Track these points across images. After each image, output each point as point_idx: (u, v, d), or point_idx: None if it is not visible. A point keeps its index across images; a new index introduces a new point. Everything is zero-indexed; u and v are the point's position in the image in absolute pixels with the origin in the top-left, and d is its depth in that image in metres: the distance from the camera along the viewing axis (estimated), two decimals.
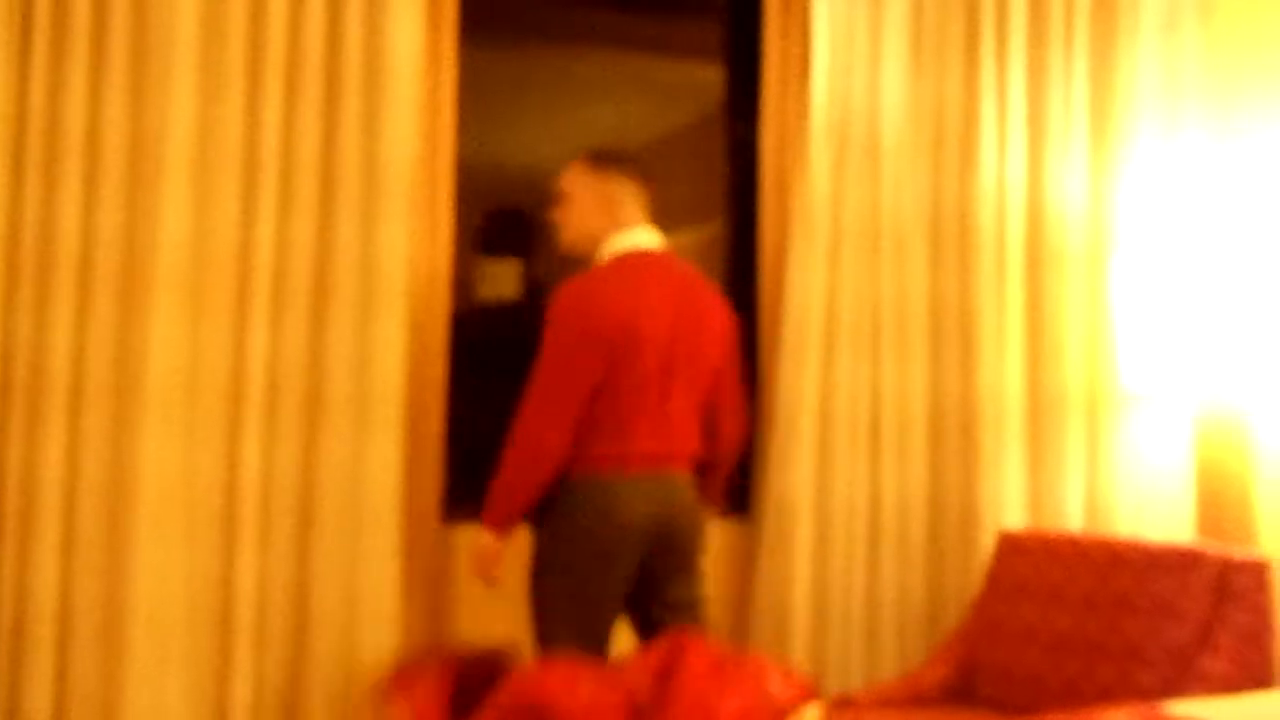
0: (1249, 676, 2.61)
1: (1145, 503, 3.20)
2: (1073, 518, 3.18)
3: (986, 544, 3.13)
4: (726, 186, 3.49)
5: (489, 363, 3.21)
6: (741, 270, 3.38)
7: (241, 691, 2.55)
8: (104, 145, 2.52)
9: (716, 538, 3.18)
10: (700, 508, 2.71)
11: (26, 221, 2.47)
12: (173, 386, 2.51)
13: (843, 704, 2.83)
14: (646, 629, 2.66)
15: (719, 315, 2.71)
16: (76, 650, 2.45)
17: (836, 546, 3.09)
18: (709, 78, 3.51)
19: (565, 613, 2.52)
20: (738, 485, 3.25)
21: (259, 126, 2.63)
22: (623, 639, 2.76)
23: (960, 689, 2.90)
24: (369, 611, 2.61)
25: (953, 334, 3.22)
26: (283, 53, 2.64)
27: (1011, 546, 2.96)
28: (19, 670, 2.42)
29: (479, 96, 3.18)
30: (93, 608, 2.46)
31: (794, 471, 3.05)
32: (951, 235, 3.23)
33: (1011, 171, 3.19)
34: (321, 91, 2.68)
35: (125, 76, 2.53)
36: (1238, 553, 2.68)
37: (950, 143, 3.24)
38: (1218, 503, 3.27)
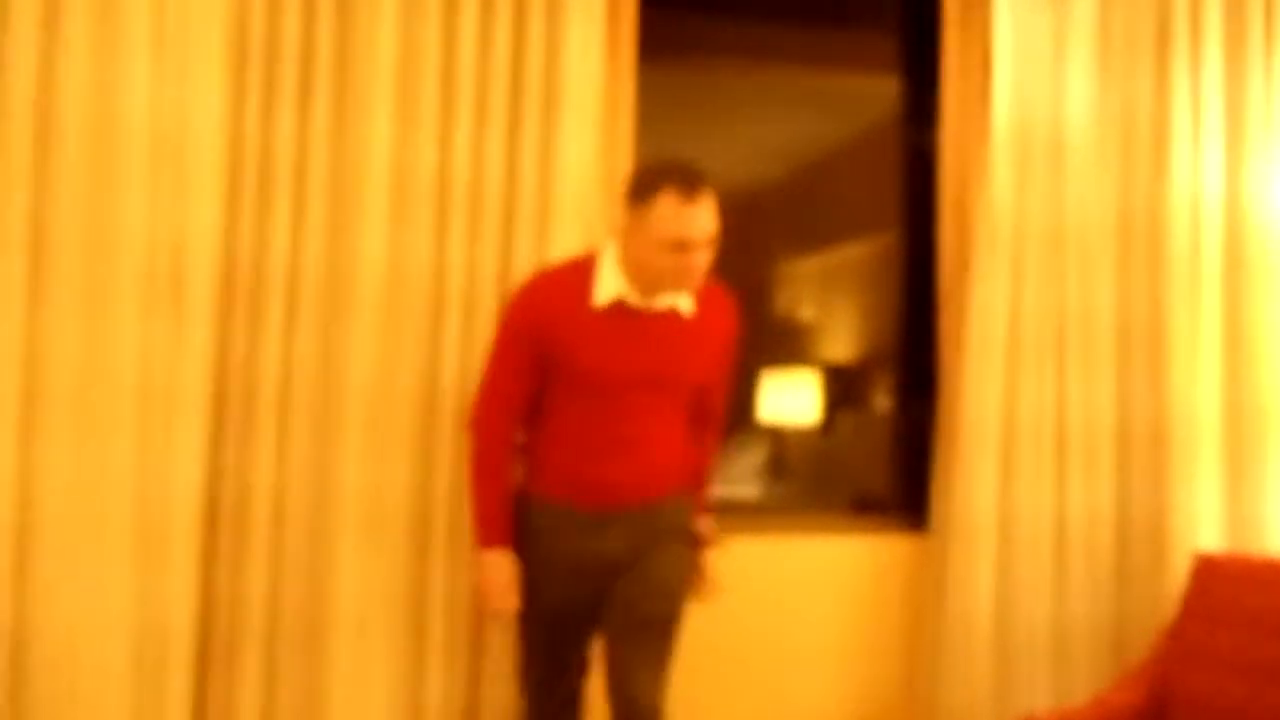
0: None
1: None
2: (1273, 539, 2.98)
3: (1179, 565, 2.98)
4: (903, 196, 3.42)
5: None
6: (919, 280, 3.31)
7: (434, 695, 2.63)
8: (310, 173, 2.64)
9: (894, 552, 3.14)
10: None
11: (241, 245, 2.60)
12: (371, 399, 2.62)
13: None
14: (608, 646, 2.37)
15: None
16: (284, 652, 2.58)
17: (1022, 564, 3.00)
18: (884, 89, 3.45)
19: (526, 633, 2.43)
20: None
21: (449, 151, 2.71)
22: None
23: (1152, 716, 2.75)
24: None
25: (1143, 345, 3.08)
26: (471, 78, 2.72)
27: (1208, 569, 2.79)
28: (232, 671, 2.56)
29: (656, 113, 3.20)
30: (299, 611, 2.58)
31: (978, 486, 2.97)
32: (1141, 243, 3.09)
33: (1208, 176, 3.02)
34: (505, 115, 2.75)
35: (329, 108, 2.65)
36: None
37: (1140, 147, 3.10)
38: None
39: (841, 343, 4.52)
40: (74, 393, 2.38)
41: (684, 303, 2.36)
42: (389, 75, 2.65)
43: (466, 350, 2.70)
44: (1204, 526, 3.01)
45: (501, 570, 2.33)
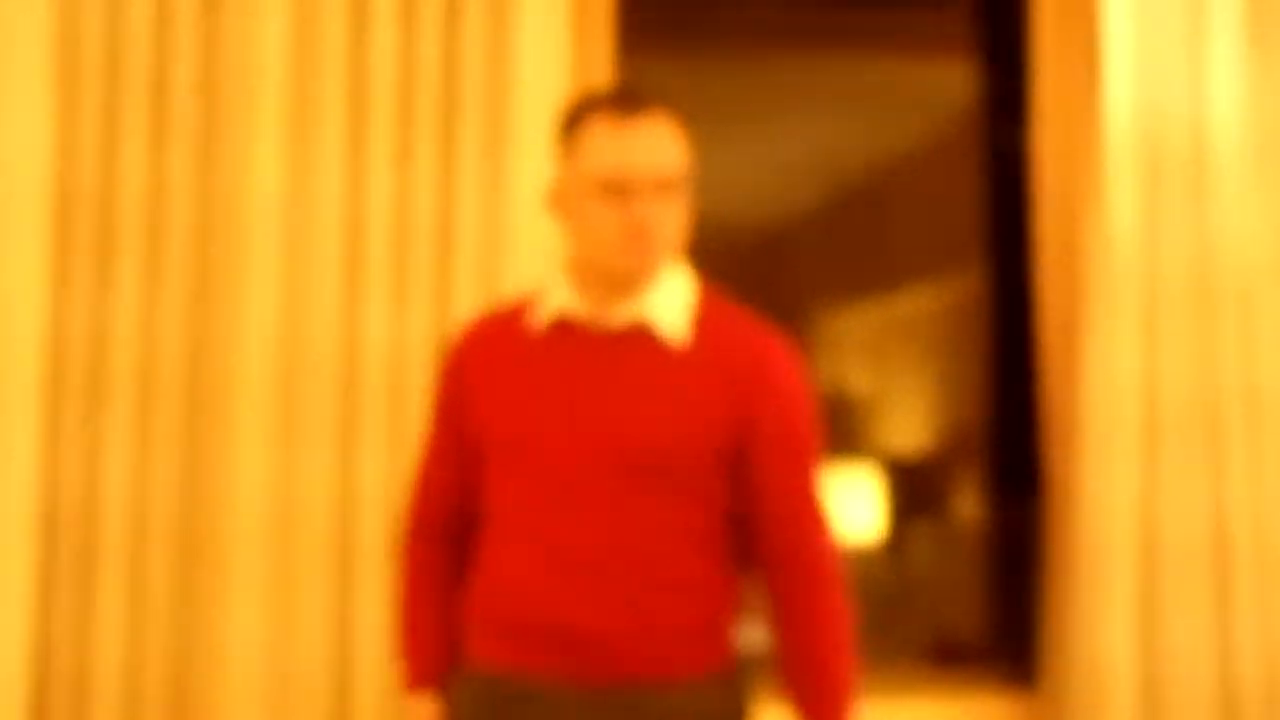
0: None
1: None
2: None
3: None
4: (987, 226, 3.55)
5: None
6: (1013, 341, 3.40)
7: None
8: (168, 223, 2.70)
9: (991, 716, 3.17)
10: None
11: (74, 323, 2.64)
12: (261, 536, 2.63)
13: None
14: None
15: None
16: None
17: None
18: (956, 80, 3.59)
19: None
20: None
21: (361, 185, 2.79)
22: None
23: None
24: None
25: None
26: (390, 85, 2.79)
27: None
28: None
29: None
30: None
31: (1107, 627, 2.96)
32: None
33: None
34: (436, 133, 2.82)
35: (193, 135, 2.72)
36: None
37: None
38: None
39: (909, 427, 4.50)
40: None
41: (664, 313, 2.05)
42: (275, 87, 2.70)
43: (392, 454, 2.73)
44: None
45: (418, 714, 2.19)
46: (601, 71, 2.98)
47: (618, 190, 1.96)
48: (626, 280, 2.00)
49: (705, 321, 2.07)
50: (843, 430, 4.78)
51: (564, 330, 2.05)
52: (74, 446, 2.62)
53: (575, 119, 2.02)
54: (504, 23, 2.84)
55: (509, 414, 2.03)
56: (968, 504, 4.05)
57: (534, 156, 2.81)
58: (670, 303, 2.04)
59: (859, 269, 4.60)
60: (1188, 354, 3.06)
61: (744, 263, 4.06)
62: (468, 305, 2.78)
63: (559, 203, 2.05)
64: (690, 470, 2.01)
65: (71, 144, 2.65)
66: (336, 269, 2.74)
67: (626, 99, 2.00)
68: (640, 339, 2.04)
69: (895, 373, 4.60)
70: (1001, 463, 3.50)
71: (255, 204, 2.69)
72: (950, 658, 3.45)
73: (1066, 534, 3.07)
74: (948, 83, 3.61)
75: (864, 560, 4.47)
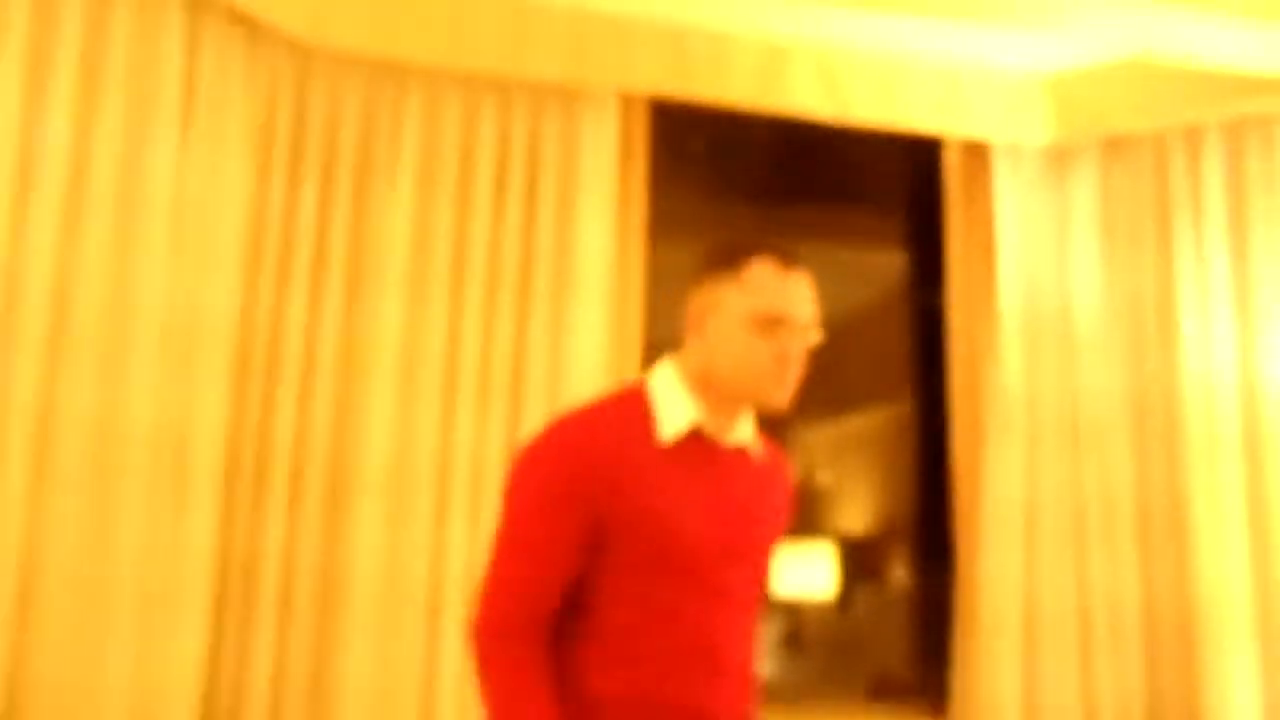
0: None
1: None
2: None
3: None
4: (913, 368, 3.49)
5: None
6: (934, 451, 3.34)
7: None
8: (318, 355, 2.68)
9: None
10: None
11: (247, 422, 2.61)
12: (376, 588, 2.59)
13: None
14: None
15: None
16: None
17: None
18: (893, 262, 3.53)
19: None
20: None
21: (459, 330, 2.76)
22: None
23: None
24: None
25: (1164, 527, 3.03)
26: (483, 257, 2.79)
27: None
28: None
29: (669, 291, 3.24)
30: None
31: (1000, 671, 2.91)
32: (1157, 423, 3.08)
33: (1219, 355, 3.01)
34: (515, 294, 2.82)
35: (341, 287, 2.71)
36: None
37: (1150, 324, 3.12)
38: None
39: (858, 513, 4.47)
40: (75, 579, 2.35)
41: (749, 436, 1.78)
42: (401, 254, 2.71)
43: (473, 535, 2.68)
44: (1240, 715, 2.88)
45: None
46: (636, 252, 2.94)
47: (775, 325, 1.67)
48: (760, 406, 1.71)
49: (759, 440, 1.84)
50: (808, 515, 4.79)
51: (694, 438, 1.70)
52: (244, 520, 2.60)
53: (738, 256, 1.71)
54: (569, 207, 2.85)
55: (669, 511, 1.63)
56: (900, 573, 4.02)
57: (589, 311, 2.79)
58: (750, 424, 1.78)
59: (823, 396, 4.64)
60: (1059, 470, 3.04)
61: None
62: (536, 420, 2.71)
63: (703, 324, 1.71)
64: (768, 561, 1.79)
65: (253, 298, 2.66)
66: (438, 393, 2.71)
67: (788, 253, 1.73)
68: (740, 456, 1.76)
69: (848, 473, 4.61)
70: (925, 542, 3.39)
71: (383, 344, 2.68)
72: (885, 694, 3.31)
73: (971, 601, 3.02)
74: (886, 263, 3.55)
75: (819, 615, 4.47)
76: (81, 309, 2.42)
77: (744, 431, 1.74)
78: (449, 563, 2.65)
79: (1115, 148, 3.21)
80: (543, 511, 1.61)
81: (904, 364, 3.50)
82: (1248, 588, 2.94)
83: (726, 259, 1.72)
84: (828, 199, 3.50)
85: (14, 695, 2.30)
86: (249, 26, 2.65)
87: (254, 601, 2.55)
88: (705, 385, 1.70)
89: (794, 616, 4.61)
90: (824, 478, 4.75)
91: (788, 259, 1.72)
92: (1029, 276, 3.12)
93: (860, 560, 4.33)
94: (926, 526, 3.39)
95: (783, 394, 1.70)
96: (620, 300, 2.91)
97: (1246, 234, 3.07)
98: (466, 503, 2.69)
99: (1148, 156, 3.17)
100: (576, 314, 2.80)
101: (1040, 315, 3.11)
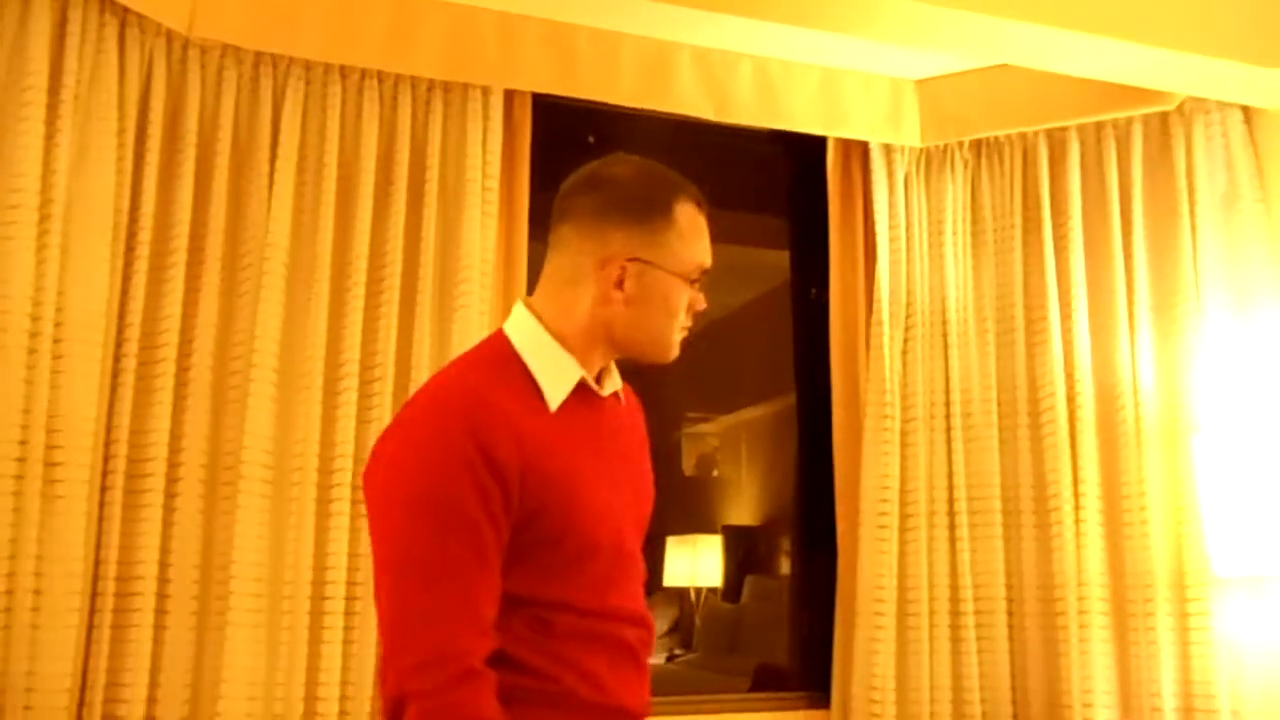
0: None
1: (1244, 692, 3.01)
2: (1166, 708, 3.01)
3: None
4: (797, 364, 3.54)
5: None
6: (816, 444, 3.35)
7: None
8: (194, 357, 2.63)
9: None
10: None
11: (118, 422, 2.54)
12: (257, 588, 2.56)
13: None
14: None
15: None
16: None
17: None
18: (780, 261, 3.60)
19: None
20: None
21: (342, 325, 2.73)
22: None
23: None
24: None
25: (1029, 515, 3.16)
26: (365, 255, 2.76)
27: None
28: None
29: None
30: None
31: (876, 658, 3.00)
32: (1023, 413, 3.20)
33: (1079, 352, 3.15)
34: (398, 295, 2.79)
35: (218, 281, 2.66)
36: None
37: (1017, 322, 3.24)
38: None
39: (747, 504, 4.57)
40: None
41: (618, 381, 1.59)
42: (281, 249, 2.68)
43: (356, 535, 2.66)
44: (1097, 691, 3.02)
45: None
46: (519, 248, 2.92)
47: (694, 282, 1.52)
48: (651, 361, 1.54)
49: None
50: (698, 507, 4.88)
51: (574, 399, 1.47)
52: (118, 520, 2.53)
53: (659, 195, 1.50)
54: (453, 210, 2.83)
55: (583, 504, 1.42)
56: (786, 561, 4.10)
57: (473, 307, 2.77)
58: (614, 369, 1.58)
59: (715, 390, 4.70)
60: (929, 458, 3.13)
61: (628, 375, 4.13)
62: None
63: (605, 273, 1.46)
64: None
65: (126, 293, 2.58)
66: (319, 391, 2.67)
67: (693, 187, 1.54)
68: (613, 402, 1.57)
69: (738, 465, 4.70)
70: (809, 532, 3.42)
71: (262, 341, 2.63)
72: (769, 684, 3.43)
73: (850, 587, 3.08)
74: (772, 263, 3.64)
75: (711, 605, 4.55)
76: None
77: (615, 378, 1.57)
78: (332, 561, 2.63)
79: (983, 150, 3.33)
80: (456, 491, 1.31)
81: (788, 358, 3.55)
82: (1103, 576, 3.08)
83: (651, 204, 1.49)
84: (714, 199, 3.57)
85: None
86: (122, 15, 2.60)
87: (129, 605, 2.49)
88: (589, 338, 1.48)
89: (684, 606, 4.68)
90: (713, 470, 4.84)
91: (698, 195, 1.54)
92: (905, 273, 3.21)
93: (748, 550, 4.43)
94: (810, 517, 3.43)
95: (676, 349, 1.54)
96: (504, 296, 2.92)
97: (1106, 236, 3.22)
98: (348, 503, 2.66)
99: (1014, 158, 3.30)
100: (460, 310, 2.79)
101: (915, 310, 3.20)
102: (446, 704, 1.26)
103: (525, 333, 1.48)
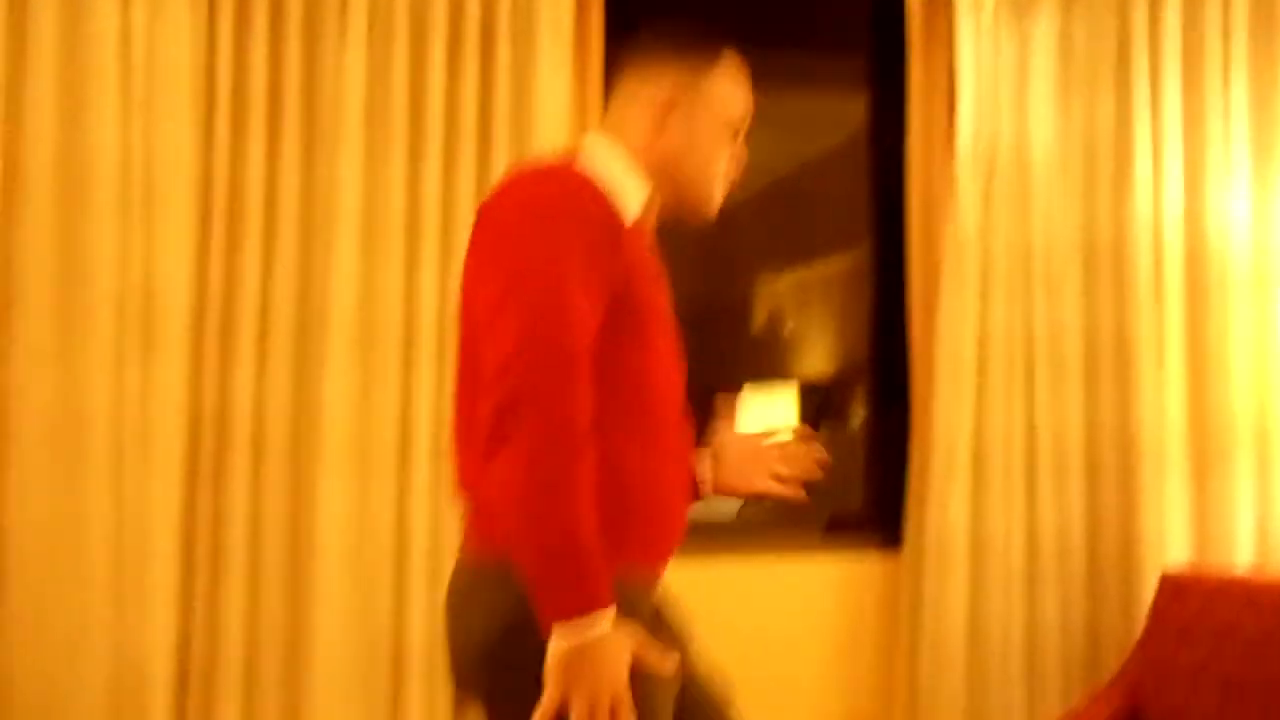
0: None
1: None
2: (1242, 554, 3.05)
3: (1149, 580, 3.05)
4: (872, 213, 3.51)
5: None
6: (892, 296, 3.36)
7: None
8: (280, 210, 2.68)
9: (869, 572, 3.21)
10: (472, 609, 1.46)
11: (213, 282, 2.63)
12: (346, 435, 2.66)
13: None
14: None
15: (474, 244, 1.53)
16: (262, 685, 2.62)
17: (994, 583, 3.06)
18: (854, 109, 3.52)
19: None
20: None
21: (420, 186, 2.75)
22: None
23: None
24: None
25: (1109, 365, 3.15)
26: (440, 113, 2.76)
27: (1174, 587, 2.88)
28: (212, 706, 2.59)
29: None
30: (279, 647, 2.62)
31: (950, 504, 3.04)
32: (1106, 264, 3.16)
33: (1168, 198, 3.10)
34: (475, 146, 2.80)
35: (298, 144, 2.69)
36: None
37: (1103, 170, 3.17)
38: None
39: (818, 358, 4.59)
40: (47, 435, 2.43)
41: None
42: (357, 109, 2.69)
43: (440, 383, 2.73)
44: (1172, 542, 3.08)
45: (630, 629, 1.37)
46: (593, 102, 2.89)
47: (736, 133, 1.63)
48: (694, 214, 1.63)
49: None
50: (770, 361, 4.91)
51: (642, 221, 1.58)
52: (214, 374, 2.63)
53: (705, 47, 1.60)
54: (526, 58, 2.80)
55: (646, 291, 1.49)
56: (859, 414, 4.16)
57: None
58: None
59: (786, 244, 4.69)
60: (1011, 308, 3.10)
61: (703, 237, 4.11)
62: None
63: (670, 114, 1.57)
64: None
65: (209, 152, 2.63)
66: (401, 248, 2.71)
67: (735, 50, 1.62)
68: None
69: (810, 319, 4.71)
70: (881, 384, 3.45)
71: (343, 200, 2.67)
72: (841, 531, 3.40)
73: (924, 439, 3.11)
74: (848, 111, 3.54)
75: None
76: (34, 168, 2.44)
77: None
78: (417, 408, 2.70)
79: None
80: (575, 254, 1.38)
81: (864, 210, 3.51)
82: (1184, 422, 3.10)
83: (700, 48, 1.60)
84: (789, 44, 3.49)
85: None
86: None
87: (228, 452, 2.60)
88: (650, 171, 1.57)
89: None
90: (787, 325, 4.86)
91: (739, 56, 1.63)
92: (987, 121, 3.13)
93: (820, 403, 4.48)
94: (883, 369, 3.45)
95: (718, 201, 1.64)
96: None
97: (1201, 77, 3.12)
98: (432, 353, 2.72)
99: (1108, 1, 3.16)
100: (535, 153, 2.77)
101: (997, 160, 3.13)
102: (563, 408, 1.32)
103: (599, 150, 1.57)
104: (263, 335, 2.66)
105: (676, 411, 1.55)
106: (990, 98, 3.13)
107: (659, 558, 1.52)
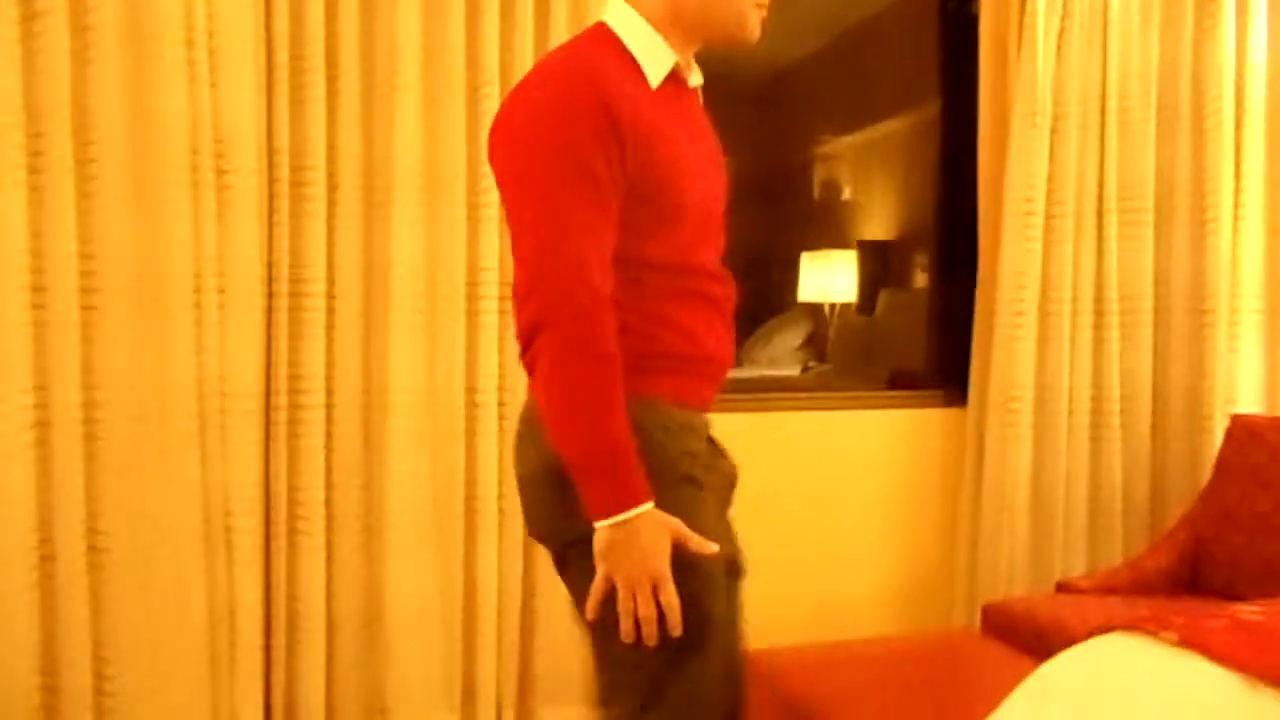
0: None
1: None
2: None
3: (1217, 429, 3.06)
4: (942, 69, 3.44)
5: None
6: (960, 156, 3.32)
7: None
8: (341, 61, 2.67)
9: (934, 425, 3.26)
10: (530, 473, 1.59)
11: (278, 130, 2.63)
12: (416, 285, 2.71)
13: (1065, 589, 2.86)
14: None
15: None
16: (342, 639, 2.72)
17: (1059, 432, 3.09)
18: None
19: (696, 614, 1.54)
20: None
21: (478, 35, 2.73)
22: None
23: (1185, 577, 2.88)
24: None
25: (1184, 212, 3.12)
26: (496, 66, 2.73)
27: (1243, 430, 2.88)
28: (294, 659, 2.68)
29: None
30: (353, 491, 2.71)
31: (1016, 356, 3.05)
32: (1184, 108, 3.11)
33: (1254, 39, 3.02)
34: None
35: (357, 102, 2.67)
36: None
37: (1185, 8, 3.09)
38: None
39: (882, 220, 4.56)
40: (129, 285, 2.50)
41: (699, 76, 1.68)
42: (414, 65, 2.67)
43: (505, 237, 2.70)
44: (1242, 391, 3.08)
45: (667, 521, 1.46)
46: None
47: None
48: (733, 43, 1.61)
49: None
50: (832, 224, 4.88)
51: (672, 81, 1.59)
52: (286, 226, 2.70)
53: None
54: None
55: (681, 169, 1.54)
56: (923, 276, 4.14)
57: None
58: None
59: (848, 104, 4.61)
60: (1083, 158, 3.07)
61: (761, 95, 4.07)
62: None
63: None
64: None
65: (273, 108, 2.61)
66: (462, 103, 2.69)
67: None
68: (696, 93, 1.68)
69: (873, 181, 4.66)
70: (946, 246, 3.45)
71: (402, 151, 2.68)
72: (906, 385, 3.47)
73: (990, 296, 3.12)
74: None
75: (845, 319, 4.64)
76: (107, 135, 2.44)
77: (698, 73, 1.66)
78: (482, 256, 2.74)
79: None
80: (588, 171, 1.43)
81: (932, 67, 3.45)
82: (1259, 272, 3.07)
83: None
84: None
85: (90, 390, 2.50)
86: None
87: (302, 302, 2.65)
88: (674, 21, 1.58)
89: (818, 320, 4.78)
90: (849, 187, 4.82)
91: None
92: None
93: (883, 265, 4.46)
94: (948, 230, 3.43)
95: (756, 31, 1.61)
96: None
97: None
98: (495, 209, 2.73)
99: None
100: (593, 14, 2.73)
101: (1071, 5, 3.05)
102: (576, 331, 1.42)
103: (622, 20, 1.57)
104: (331, 188, 2.68)
105: (715, 259, 1.63)
106: None
107: (705, 394, 1.62)
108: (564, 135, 1.44)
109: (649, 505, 1.43)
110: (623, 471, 1.43)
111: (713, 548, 1.49)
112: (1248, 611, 1.67)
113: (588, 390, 1.42)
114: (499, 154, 1.52)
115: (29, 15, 2.40)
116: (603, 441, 1.42)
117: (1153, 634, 1.58)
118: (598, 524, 1.43)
